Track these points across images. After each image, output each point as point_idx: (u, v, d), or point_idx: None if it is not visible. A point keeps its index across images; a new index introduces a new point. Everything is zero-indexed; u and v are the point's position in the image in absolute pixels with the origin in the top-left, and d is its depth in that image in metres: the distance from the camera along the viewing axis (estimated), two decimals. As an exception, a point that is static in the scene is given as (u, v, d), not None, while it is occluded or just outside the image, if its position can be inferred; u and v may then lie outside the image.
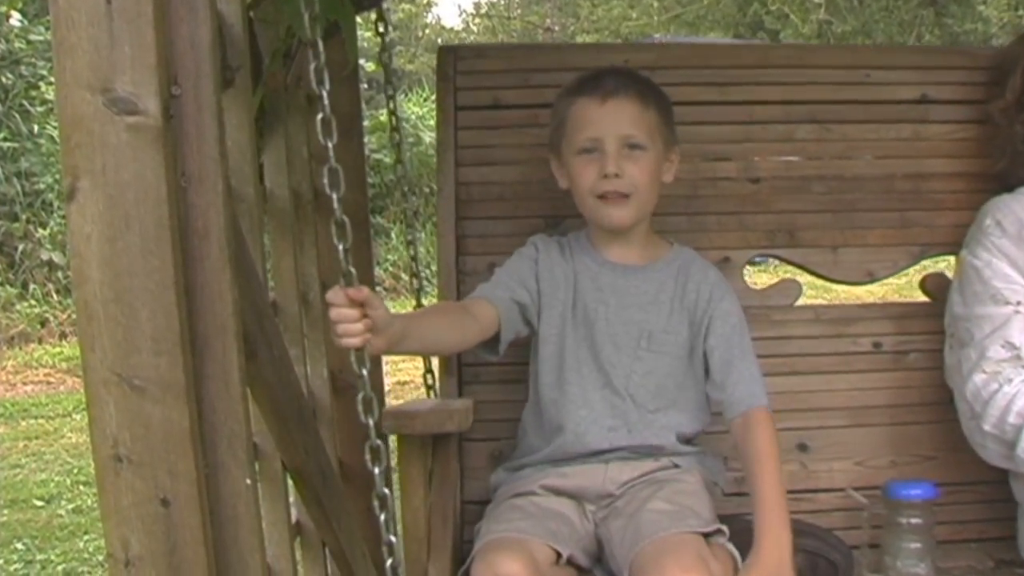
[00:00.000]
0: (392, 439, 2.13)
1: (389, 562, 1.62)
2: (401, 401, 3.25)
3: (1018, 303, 2.10)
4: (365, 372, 1.61)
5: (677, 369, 2.14)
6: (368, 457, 1.59)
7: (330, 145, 1.59)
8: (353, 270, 1.60)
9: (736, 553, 1.92)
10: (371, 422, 1.58)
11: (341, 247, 1.57)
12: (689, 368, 2.14)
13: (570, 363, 2.13)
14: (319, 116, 1.59)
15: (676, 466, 2.10)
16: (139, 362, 1.38)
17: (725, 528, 1.95)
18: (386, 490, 1.60)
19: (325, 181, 1.58)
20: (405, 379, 7.06)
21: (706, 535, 1.89)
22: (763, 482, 1.93)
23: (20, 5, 9.84)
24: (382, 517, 1.60)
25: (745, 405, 2.03)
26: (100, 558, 4.32)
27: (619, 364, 2.12)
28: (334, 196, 1.57)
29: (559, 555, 1.90)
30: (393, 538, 1.61)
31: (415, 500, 2.06)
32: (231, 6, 1.87)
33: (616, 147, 2.06)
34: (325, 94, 1.58)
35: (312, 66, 1.57)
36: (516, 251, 2.22)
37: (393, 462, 2.15)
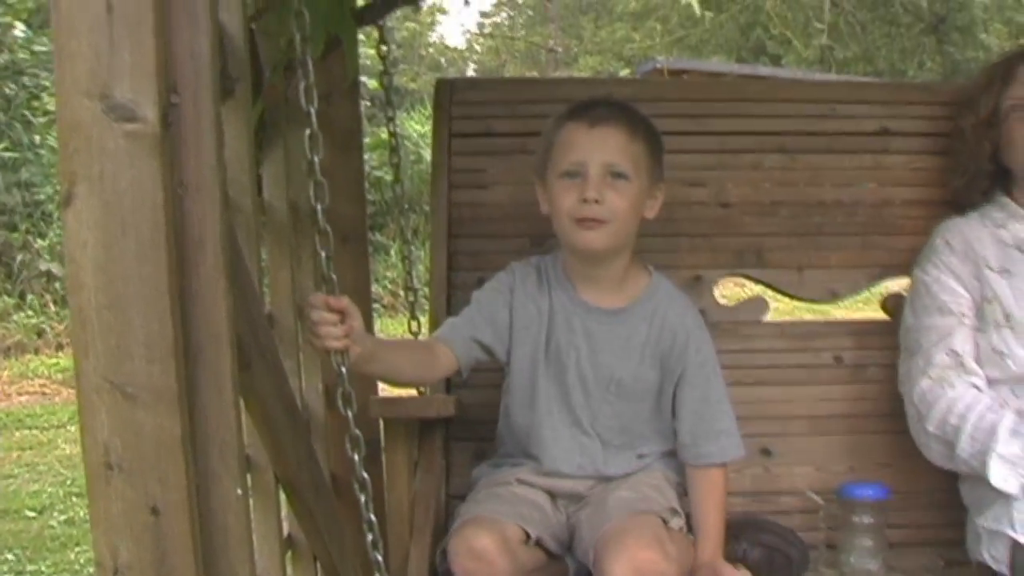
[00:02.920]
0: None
1: (369, 537, 1.68)
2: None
3: (962, 314, 2.28)
4: (344, 370, 1.70)
5: (644, 410, 2.20)
6: (348, 446, 1.66)
7: (316, 160, 1.62)
8: (334, 276, 1.67)
9: (693, 538, 2.08)
10: (350, 414, 1.66)
11: (324, 254, 1.64)
12: (656, 408, 2.20)
13: (541, 400, 2.18)
14: (307, 131, 1.61)
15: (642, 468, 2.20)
16: (132, 369, 1.37)
17: (683, 514, 2.09)
18: (366, 474, 1.67)
19: (311, 193, 1.60)
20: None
21: (665, 521, 2.01)
22: (711, 530, 2.09)
23: (25, 16, 9.87)
24: (362, 498, 1.67)
25: (711, 460, 2.14)
26: (91, 570, 4.29)
27: (587, 407, 2.17)
28: (319, 208, 1.61)
29: (529, 536, 2.00)
30: (373, 517, 1.68)
31: (399, 484, 2.21)
32: (232, 17, 1.88)
33: (599, 173, 2.06)
34: (313, 112, 1.60)
35: (302, 85, 1.59)
36: (495, 276, 2.25)
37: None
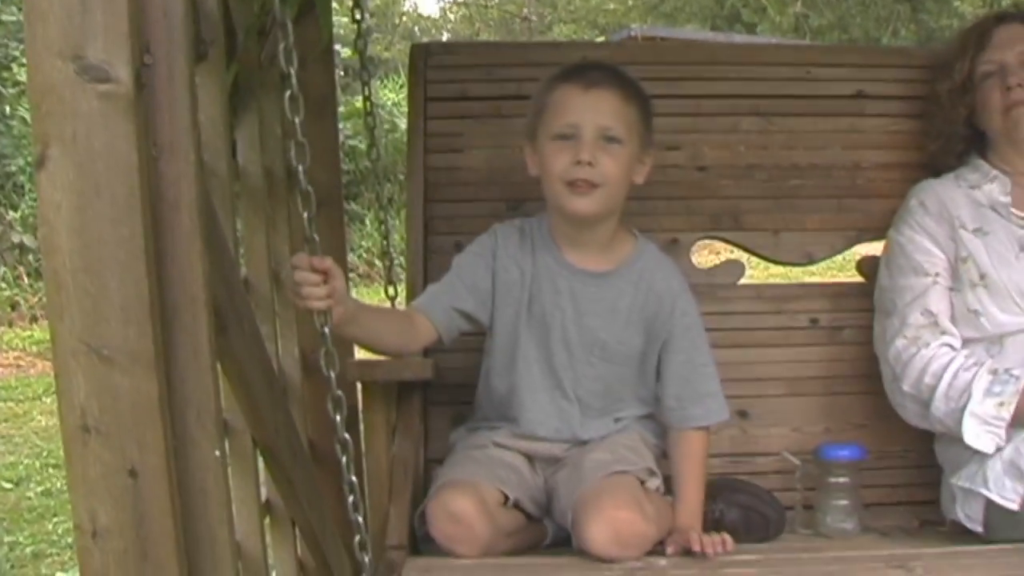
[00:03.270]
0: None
1: (350, 499, 1.68)
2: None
3: (936, 275, 2.29)
4: (327, 331, 1.69)
5: (627, 374, 2.20)
6: (331, 406, 1.66)
7: (297, 121, 1.60)
8: (316, 237, 1.66)
9: (671, 499, 2.10)
10: (332, 375, 1.66)
11: (306, 215, 1.62)
12: (640, 372, 2.21)
13: (521, 363, 2.18)
14: (287, 93, 1.59)
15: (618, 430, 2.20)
16: (108, 332, 1.36)
17: (659, 475, 2.11)
18: (347, 435, 1.66)
19: (292, 155, 1.59)
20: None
21: (642, 481, 2.03)
22: (690, 492, 2.10)
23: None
24: (343, 459, 1.67)
25: (696, 423, 2.16)
26: (69, 540, 4.30)
27: (570, 368, 2.17)
28: (300, 169, 1.60)
29: (507, 499, 2.02)
30: (354, 478, 1.68)
31: (377, 447, 2.22)
32: (206, -21, 1.87)
33: (593, 136, 2.06)
34: (293, 73, 1.58)
35: (281, 46, 1.57)
36: (477, 240, 2.24)
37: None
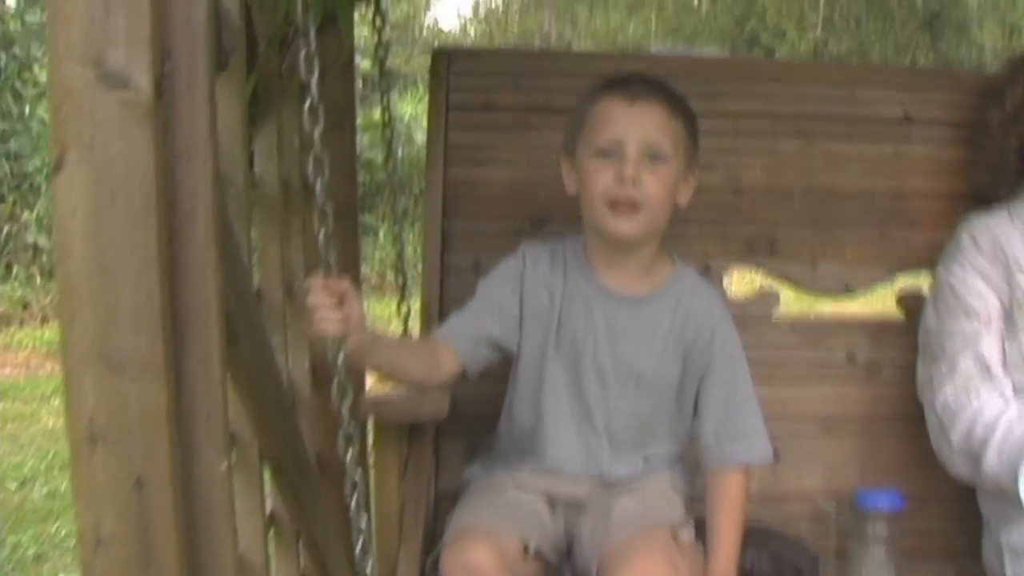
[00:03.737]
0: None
1: (359, 544, 1.61)
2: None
3: (990, 319, 2.17)
4: (340, 359, 1.63)
5: (662, 407, 2.10)
6: (341, 442, 1.60)
7: (316, 133, 1.59)
8: (332, 255, 1.62)
9: (703, 548, 1.98)
10: (345, 407, 1.59)
11: (322, 234, 1.59)
12: (676, 404, 2.10)
13: (548, 392, 2.08)
14: (306, 103, 1.59)
15: (646, 473, 2.10)
16: (119, 339, 1.35)
17: (692, 523, 1.99)
18: (357, 476, 1.59)
19: (310, 168, 1.59)
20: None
21: (674, 535, 1.93)
22: (724, 536, 1.98)
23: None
24: (352, 501, 1.59)
25: (734, 462, 2.03)
26: (72, 543, 4.29)
27: (603, 401, 2.07)
28: (318, 183, 1.58)
29: (527, 549, 1.91)
30: (363, 525, 1.61)
31: (388, 486, 2.12)
32: (228, -12, 1.86)
33: (637, 153, 1.97)
34: (314, 82, 1.58)
35: (302, 53, 1.57)
36: (503, 261, 2.14)
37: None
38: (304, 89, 1.58)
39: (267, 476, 2.17)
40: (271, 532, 2.49)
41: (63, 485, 5.11)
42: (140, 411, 1.37)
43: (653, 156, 1.99)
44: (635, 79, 2.05)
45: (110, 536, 1.38)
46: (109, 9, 1.32)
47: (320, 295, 1.65)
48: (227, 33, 1.85)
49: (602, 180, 1.99)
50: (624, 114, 2.00)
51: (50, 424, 6.31)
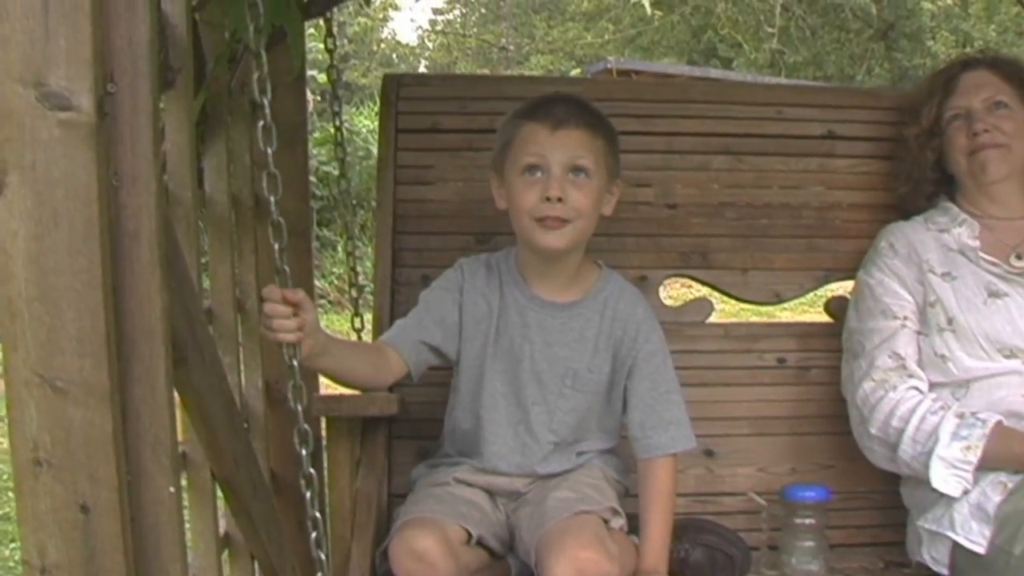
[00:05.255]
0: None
1: (313, 535, 1.67)
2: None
3: (905, 318, 2.30)
4: (295, 363, 1.70)
5: (596, 403, 2.19)
6: (297, 440, 1.64)
7: (270, 152, 1.60)
8: (287, 268, 1.66)
9: (636, 540, 2.07)
10: (299, 408, 1.65)
11: (277, 246, 1.62)
12: (607, 401, 2.20)
13: (487, 397, 2.17)
14: (260, 123, 1.60)
15: (580, 465, 2.19)
16: (63, 363, 1.34)
17: (623, 514, 2.09)
18: (312, 470, 1.65)
19: (264, 186, 1.58)
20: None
21: (605, 521, 2.01)
22: (655, 524, 2.07)
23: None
24: (308, 495, 1.66)
25: (661, 451, 2.12)
26: (25, 566, 4.24)
27: (543, 403, 2.16)
28: (272, 199, 1.59)
29: (470, 536, 2.00)
30: (318, 514, 1.67)
31: (341, 482, 2.18)
32: (175, 7, 1.86)
33: (562, 171, 2.06)
34: (267, 103, 1.59)
35: (255, 76, 1.58)
36: (444, 275, 2.24)
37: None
38: (257, 108, 1.58)
39: (220, 496, 2.16)
40: (225, 553, 2.47)
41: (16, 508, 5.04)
42: (85, 435, 1.36)
43: (576, 170, 2.08)
44: (556, 102, 2.14)
45: (55, 563, 1.37)
46: (50, 29, 1.31)
47: (276, 305, 1.74)
48: (174, 51, 1.85)
49: (529, 198, 2.07)
50: (547, 136, 2.08)
51: (3, 444, 6.22)
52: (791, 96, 2.85)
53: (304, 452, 1.65)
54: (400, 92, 2.63)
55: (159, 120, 1.45)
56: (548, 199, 2.04)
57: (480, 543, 2.03)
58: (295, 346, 1.73)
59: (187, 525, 1.81)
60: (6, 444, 5.99)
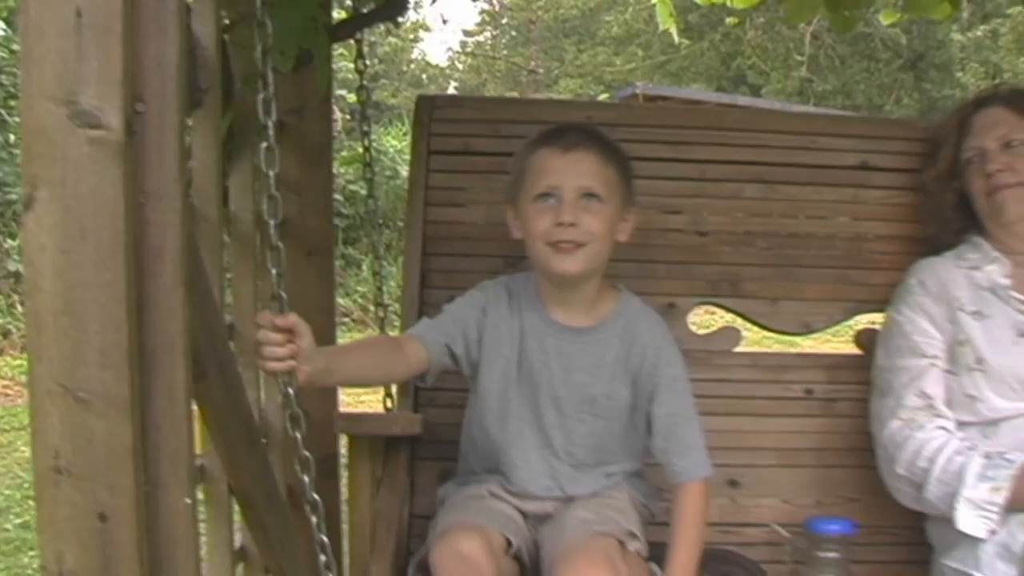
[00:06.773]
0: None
1: (322, 559, 1.68)
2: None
3: (934, 356, 2.27)
4: (291, 391, 1.69)
5: (617, 428, 2.18)
6: (298, 467, 1.67)
7: (271, 174, 1.63)
8: (284, 295, 1.66)
9: (656, 570, 2.04)
10: (299, 436, 1.66)
11: (275, 271, 1.63)
12: (630, 425, 2.18)
13: (513, 421, 2.16)
14: (263, 144, 1.63)
15: (608, 487, 2.18)
16: (86, 375, 1.37)
17: (643, 539, 2.06)
18: (316, 496, 1.66)
19: (264, 208, 1.62)
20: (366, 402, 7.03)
21: (622, 543, 1.99)
22: (679, 549, 2.04)
23: (5, 14, 9.84)
24: (314, 519, 1.66)
25: (686, 477, 2.10)
26: (45, 575, 4.27)
27: (560, 427, 2.16)
28: (272, 223, 1.62)
29: (510, 545, 2.00)
30: (325, 538, 1.68)
31: (361, 500, 2.19)
32: (205, 28, 1.89)
33: (574, 196, 2.06)
34: (271, 124, 1.62)
35: (260, 97, 1.61)
36: (469, 292, 2.23)
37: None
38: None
39: (237, 510, 2.18)
40: (240, 566, 2.49)
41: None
42: (105, 446, 1.39)
43: (589, 196, 2.08)
44: (569, 130, 2.15)
45: (72, 571, 1.40)
46: (82, 49, 1.35)
47: (268, 332, 1.71)
48: (203, 72, 1.88)
49: (542, 224, 2.08)
50: (559, 163, 2.09)
51: (26, 454, 6.25)
52: (825, 125, 2.83)
53: (307, 479, 1.65)
54: (433, 114, 2.63)
55: (185, 139, 1.48)
56: (561, 224, 2.05)
57: (516, 555, 2.03)
58: (290, 376, 1.70)
59: (203, 537, 1.84)
60: (27, 453, 6.07)
